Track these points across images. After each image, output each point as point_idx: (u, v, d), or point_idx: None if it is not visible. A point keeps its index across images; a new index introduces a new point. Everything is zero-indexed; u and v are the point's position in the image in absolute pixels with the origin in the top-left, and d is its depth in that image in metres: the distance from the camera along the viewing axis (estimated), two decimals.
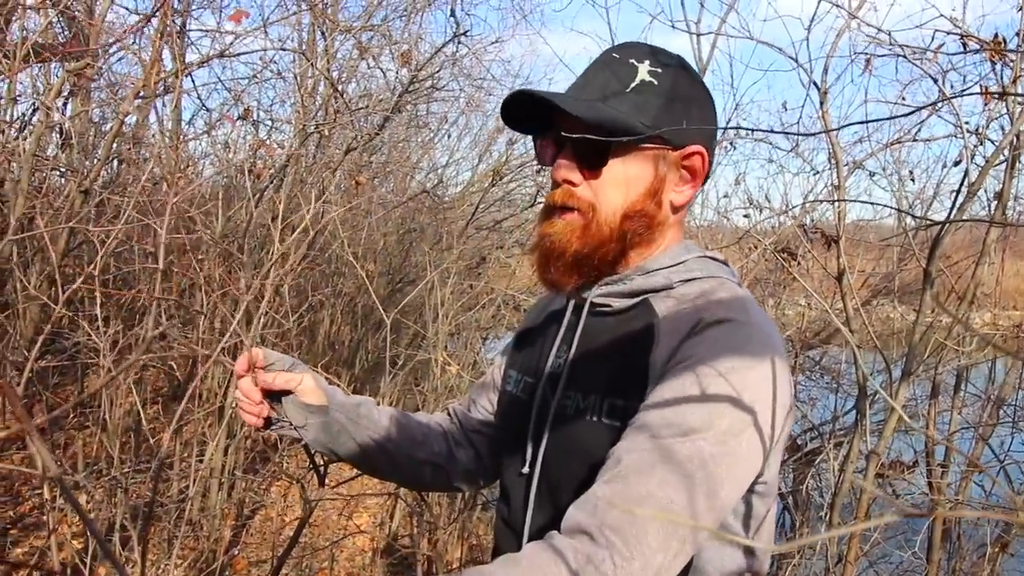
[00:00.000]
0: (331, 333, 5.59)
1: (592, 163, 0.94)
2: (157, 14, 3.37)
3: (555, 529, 0.82)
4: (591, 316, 0.99)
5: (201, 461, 3.24)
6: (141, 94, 3.32)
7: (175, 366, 4.00)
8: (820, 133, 0.77)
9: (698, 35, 2.38)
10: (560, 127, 0.93)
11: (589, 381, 0.94)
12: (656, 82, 0.93)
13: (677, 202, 0.97)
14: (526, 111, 0.96)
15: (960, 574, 2.31)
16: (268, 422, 1.11)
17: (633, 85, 0.93)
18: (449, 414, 1.25)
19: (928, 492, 2.18)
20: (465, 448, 1.20)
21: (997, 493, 2.41)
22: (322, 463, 1.36)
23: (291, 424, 1.08)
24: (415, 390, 4.85)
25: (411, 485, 1.37)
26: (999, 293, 3.70)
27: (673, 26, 2.78)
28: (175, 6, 4.15)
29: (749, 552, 0.90)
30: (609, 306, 0.97)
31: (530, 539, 0.93)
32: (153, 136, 4.60)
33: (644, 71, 0.93)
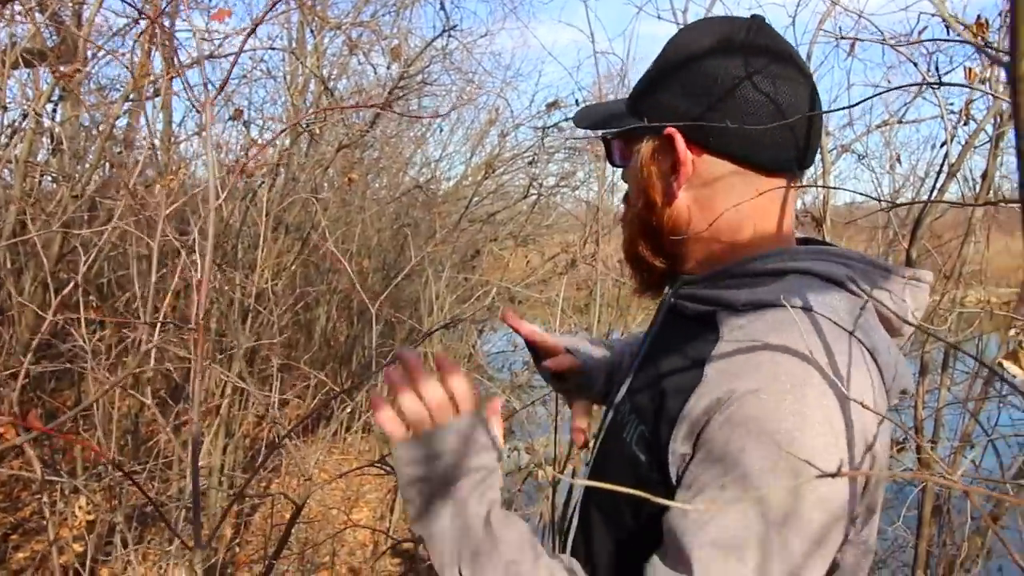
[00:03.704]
0: (327, 330, 5.61)
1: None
2: (144, 17, 3.37)
3: (587, 543, 0.87)
4: (670, 315, 0.91)
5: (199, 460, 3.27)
6: (131, 97, 3.33)
7: (171, 368, 4.02)
8: (798, 118, 0.73)
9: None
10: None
11: (639, 394, 0.86)
12: (652, 62, 0.86)
13: (675, 197, 0.85)
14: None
15: (951, 546, 2.34)
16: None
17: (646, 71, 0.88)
18: None
19: (917, 467, 2.22)
20: None
21: (986, 468, 2.45)
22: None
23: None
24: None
25: None
26: (990, 271, 3.73)
27: (659, 17, 2.79)
28: (163, 8, 4.15)
29: None
30: (686, 308, 0.86)
31: (573, 544, 0.91)
32: (144, 139, 4.61)
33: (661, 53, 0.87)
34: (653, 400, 0.80)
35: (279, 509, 3.64)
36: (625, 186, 0.95)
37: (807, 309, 0.75)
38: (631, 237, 0.91)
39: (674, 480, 0.74)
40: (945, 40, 2.17)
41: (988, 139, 2.40)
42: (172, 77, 4.06)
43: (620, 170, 0.95)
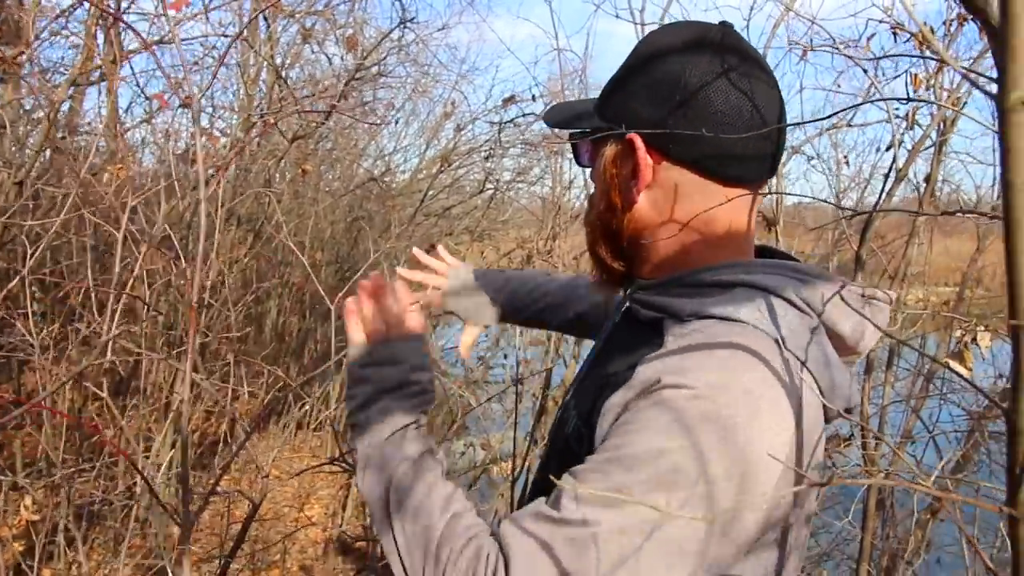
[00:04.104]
0: (278, 324, 5.52)
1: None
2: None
3: None
4: (624, 318, 0.93)
5: (147, 458, 3.19)
6: (76, 81, 3.22)
7: (116, 361, 3.92)
8: (759, 133, 0.72)
9: (642, 25, 2.42)
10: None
11: (583, 393, 0.88)
12: (621, 64, 0.87)
13: (635, 203, 0.85)
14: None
15: (893, 539, 2.42)
16: None
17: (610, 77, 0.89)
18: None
19: (862, 464, 2.29)
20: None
21: (928, 463, 2.54)
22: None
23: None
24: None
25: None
26: (930, 272, 3.88)
27: (617, 15, 2.81)
28: None
29: None
30: (638, 312, 0.87)
31: None
32: (89, 124, 4.47)
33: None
34: (592, 398, 0.82)
35: (224, 506, 3.57)
36: (580, 184, 0.97)
37: (746, 323, 0.76)
38: (593, 238, 0.92)
39: None
40: (914, 56, 2.23)
41: (932, 144, 2.49)
42: (122, 62, 3.94)
43: (576, 166, 0.98)
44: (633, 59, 0.86)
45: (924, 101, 1.92)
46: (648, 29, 2.51)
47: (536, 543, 0.70)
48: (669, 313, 0.81)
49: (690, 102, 0.80)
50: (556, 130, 0.93)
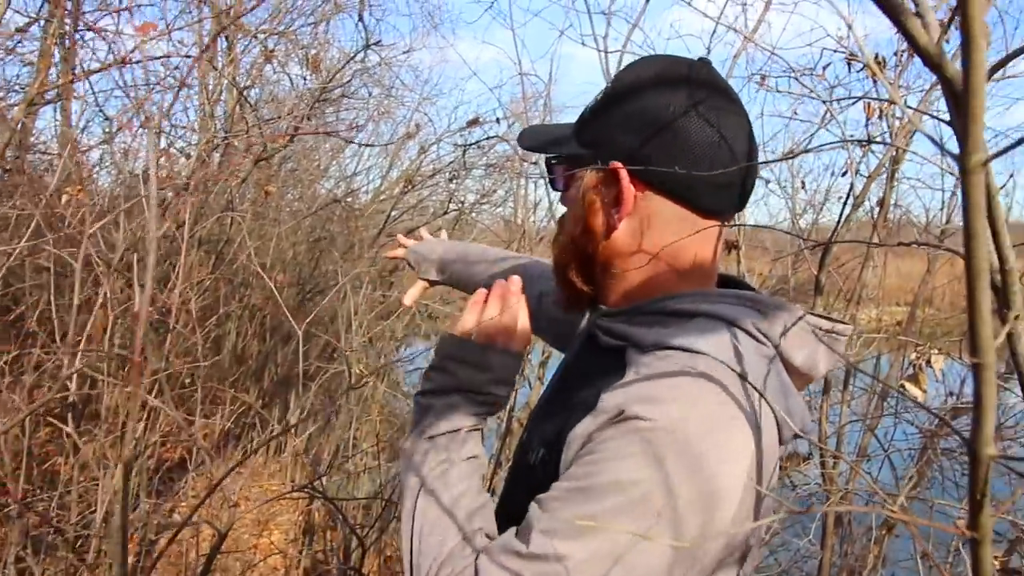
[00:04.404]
0: (238, 346, 5.44)
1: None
2: (45, 14, 3.22)
3: None
4: (587, 343, 0.93)
5: (98, 484, 3.10)
6: (32, 101, 3.17)
7: (68, 384, 3.81)
8: (739, 167, 0.74)
9: (605, 52, 2.46)
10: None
11: (547, 419, 0.89)
12: (594, 97, 0.89)
13: (615, 229, 0.87)
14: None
15: (851, 556, 2.47)
16: None
17: (586, 106, 0.91)
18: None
19: (821, 482, 2.34)
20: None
21: (883, 480, 2.61)
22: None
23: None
24: (329, 400, 4.78)
25: None
26: (882, 294, 3.99)
27: (583, 43, 2.86)
28: (67, 8, 3.95)
29: None
30: (601, 339, 0.88)
31: None
32: (45, 144, 4.38)
33: (601, 90, 0.89)
34: (555, 426, 0.83)
35: (187, 535, 3.49)
36: (545, 206, 0.98)
37: (706, 354, 0.77)
38: (564, 260, 0.93)
39: None
40: (892, 101, 2.31)
41: (884, 171, 2.58)
42: (80, 80, 3.87)
43: (540, 189, 0.99)
44: (615, 88, 0.87)
45: (876, 142, 2.00)
46: (611, 56, 2.56)
47: None
48: (632, 342, 0.82)
49: (673, 133, 0.82)
50: (528, 153, 0.96)
